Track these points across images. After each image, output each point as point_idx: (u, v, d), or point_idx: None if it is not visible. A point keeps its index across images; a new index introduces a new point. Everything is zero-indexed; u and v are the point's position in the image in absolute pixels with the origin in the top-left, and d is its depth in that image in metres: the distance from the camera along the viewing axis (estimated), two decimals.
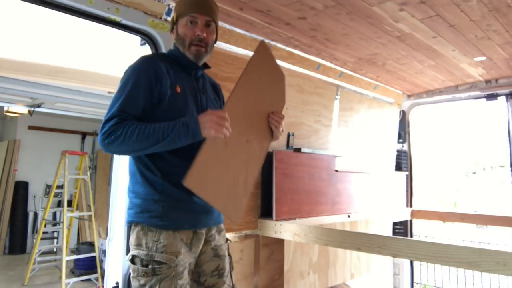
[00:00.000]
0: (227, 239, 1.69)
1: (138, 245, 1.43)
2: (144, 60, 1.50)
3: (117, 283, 1.92)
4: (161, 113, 1.45)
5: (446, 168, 15.35)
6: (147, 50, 1.99)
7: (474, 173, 15.13)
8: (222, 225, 1.67)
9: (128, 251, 1.86)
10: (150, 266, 1.39)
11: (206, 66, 1.65)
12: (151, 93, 1.43)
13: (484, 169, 14.86)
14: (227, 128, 1.34)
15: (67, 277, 4.84)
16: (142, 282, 1.39)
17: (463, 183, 15.02)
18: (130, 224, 1.48)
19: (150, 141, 1.32)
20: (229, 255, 1.68)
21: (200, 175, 1.35)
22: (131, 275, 1.44)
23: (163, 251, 1.41)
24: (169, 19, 1.86)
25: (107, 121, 1.37)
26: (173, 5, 2.00)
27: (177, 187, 1.39)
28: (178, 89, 1.49)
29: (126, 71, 1.48)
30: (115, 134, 1.33)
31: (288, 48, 2.68)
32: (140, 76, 1.43)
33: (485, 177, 14.55)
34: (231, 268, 1.68)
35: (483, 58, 2.79)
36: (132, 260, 1.43)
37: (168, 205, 1.45)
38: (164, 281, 1.39)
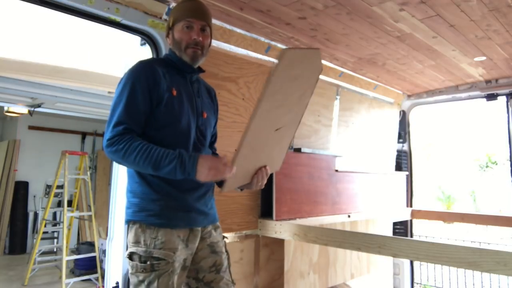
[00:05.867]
0: (223, 236, 1.73)
1: (136, 242, 1.46)
2: (141, 64, 1.54)
3: (117, 283, 1.92)
4: (159, 116, 1.49)
5: (449, 164, 15.36)
6: (147, 50, 2.00)
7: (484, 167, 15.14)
8: (217, 223, 1.71)
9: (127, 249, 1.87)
10: (148, 262, 1.42)
11: (201, 70, 1.68)
12: (150, 97, 1.47)
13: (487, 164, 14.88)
14: (227, 173, 1.37)
15: (67, 277, 4.83)
16: (140, 278, 1.43)
17: (468, 179, 15.03)
18: (128, 223, 1.51)
19: (145, 166, 1.37)
20: (226, 251, 1.71)
21: (232, 184, 1.51)
22: (130, 271, 1.46)
23: (161, 248, 1.44)
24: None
25: (114, 126, 1.40)
26: (173, 4, 2.00)
27: (174, 186, 1.44)
28: (174, 92, 1.52)
29: (125, 75, 1.51)
30: (117, 146, 1.37)
31: None
32: (138, 80, 1.46)
33: (488, 173, 14.58)
34: (229, 264, 1.71)
35: (483, 58, 2.79)
36: (130, 257, 1.46)
37: (166, 204, 1.48)
38: (162, 276, 1.43)
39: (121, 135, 1.39)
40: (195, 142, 1.59)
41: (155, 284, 1.42)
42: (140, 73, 1.48)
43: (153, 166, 1.36)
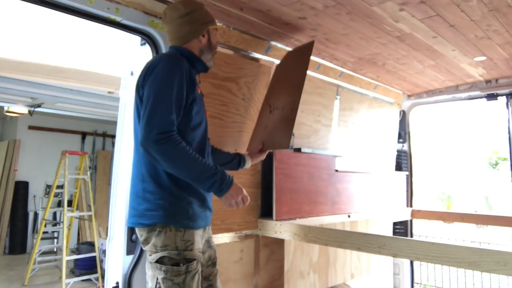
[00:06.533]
0: None
1: (166, 245, 1.45)
2: (178, 59, 1.53)
3: (117, 283, 1.92)
4: (191, 115, 1.50)
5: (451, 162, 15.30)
6: (147, 50, 1.99)
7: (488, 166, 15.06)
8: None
9: (129, 251, 1.87)
10: (181, 265, 1.44)
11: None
12: (187, 94, 1.48)
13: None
14: (242, 206, 1.54)
15: (67, 277, 4.84)
16: (176, 280, 1.43)
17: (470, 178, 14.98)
18: (154, 226, 1.47)
19: (184, 173, 1.42)
20: None
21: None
22: (161, 276, 1.45)
23: (192, 249, 1.48)
24: None
25: (166, 121, 1.37)
26: None
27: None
28: (198, 90, 1.57)
29: (163, 64, 1.48)
30: (168, 145, 1.35)
31: (288, 48, 2.67)
32: (181, 76, 1.47)
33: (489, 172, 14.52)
34: None
35: (483, 58, 2.79)
36: (161, 261, 1.45)
37: (195, 205, 1.52)
38: (195, 276, 1.47)
39: (172, 132, 1.37)
40: (207, 142, 1.65)
41: (193, 284, 1.44)
42: (182, 68, 1.48)
43: (194, 175, 1.40)
